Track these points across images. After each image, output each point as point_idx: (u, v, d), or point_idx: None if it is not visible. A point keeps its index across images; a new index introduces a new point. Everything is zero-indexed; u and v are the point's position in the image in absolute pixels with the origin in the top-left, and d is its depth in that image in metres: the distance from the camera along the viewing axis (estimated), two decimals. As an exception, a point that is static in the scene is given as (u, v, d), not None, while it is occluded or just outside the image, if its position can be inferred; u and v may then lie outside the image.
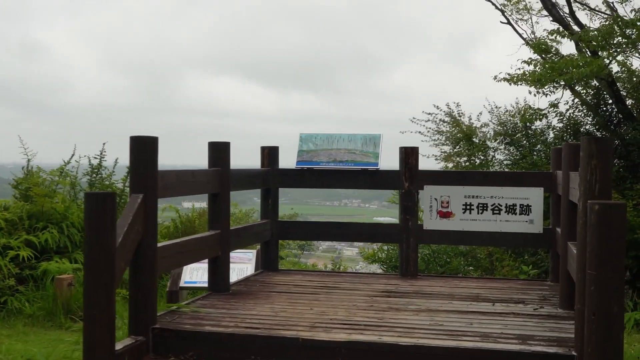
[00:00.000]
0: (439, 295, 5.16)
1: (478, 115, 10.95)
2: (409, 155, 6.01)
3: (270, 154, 6.31)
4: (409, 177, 5.99)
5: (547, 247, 5.81)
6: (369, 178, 6.12)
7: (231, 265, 7.02)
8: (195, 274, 7.22)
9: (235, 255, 7.04)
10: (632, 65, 9.25)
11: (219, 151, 5.17)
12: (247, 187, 5.89)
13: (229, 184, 5.23)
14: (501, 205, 5.86)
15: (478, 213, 5.89)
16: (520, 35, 11.24)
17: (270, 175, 6.26)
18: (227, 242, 5.21)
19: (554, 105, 9.53)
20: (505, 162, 9.81)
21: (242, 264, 7.02)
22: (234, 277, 6.78)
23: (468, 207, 5.91)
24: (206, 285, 5.80)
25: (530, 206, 5.81)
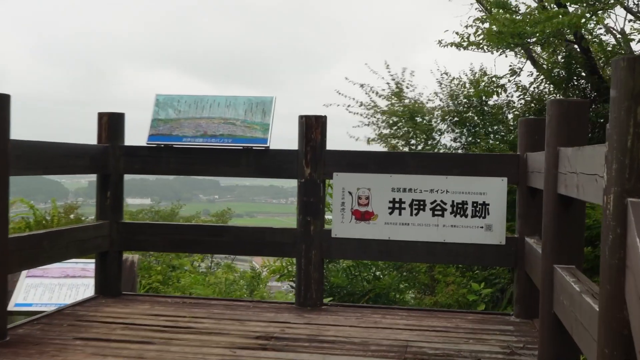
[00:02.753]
0: (345, 346, 3.27)
1: (423, 88, 9.10)
2: (311, 127, 4.09)
3: (111, 124, 4.30)
4: (311, 159, 4.07)
5: (510, 264, 3.99)
6: (254, 161, 4.18)
7: (62, 282, 5.00)
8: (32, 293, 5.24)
9: (69, 267, 5.02)
10: (612, 28, 7.55)
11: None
12: (58, 170, 3.85)
13: (7, 164, 3.20)
14: (445, 203, 4.00)
15: (412, 214, 4.02)
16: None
17: (109, 156, 4.25)
18: (-4, 260, 3.19)
19: (515, 72, 7.74)
20: (453, 147, 8.02)
21: (81, 280, 5.02)
22: (66, 299, 4.81)
23: (397, 205, 4.04)
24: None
25: (488, 205, 3.97)
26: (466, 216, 3.98)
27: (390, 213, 4.04)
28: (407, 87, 9.28)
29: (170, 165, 4.26)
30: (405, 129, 8.30)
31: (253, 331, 3.52)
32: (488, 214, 3.96)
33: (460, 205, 3.98)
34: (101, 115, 4.31)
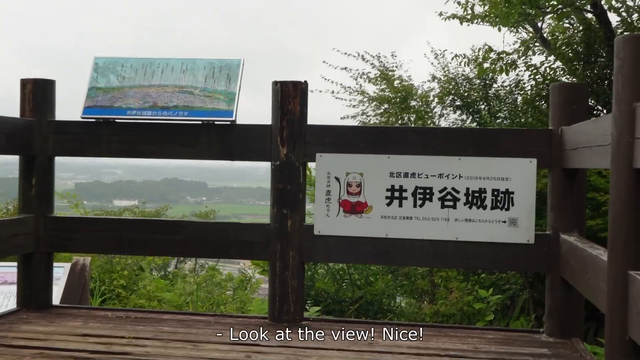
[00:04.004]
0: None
1: (414, 68, 8.16)
2: (288, 96, 3.25)
3: (37, 94, 3.44)
4: (288, 137, 3.24)
5: (542, 268, 3.16)
6: (216, 139, 3.34)
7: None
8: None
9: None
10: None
11: None
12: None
13: None
14: (458, 192, 3.18)
15: (415, 205, 3.20)
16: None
17: (34, 133, 3.39)
18: None
19: (528, 47, 6.88)
20: None
21: (6, 287, 4.18)
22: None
23: (396, 194, 3.21)
24: None
25: (512, 193, 3.15)
26: (484, 208, 3.15)
27: (388, 204, 3.21)
28: (397, 68, 8.44)
29: (112, 145, 3.41)
30: (397, 113, 7.46)
31: (208, 358, 2.67)
32: (512, 204, 3.14)
33: (476, 194, 3.16)
34: (24, 83, 3.45)
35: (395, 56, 8.56)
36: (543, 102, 6.69)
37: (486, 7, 6.46)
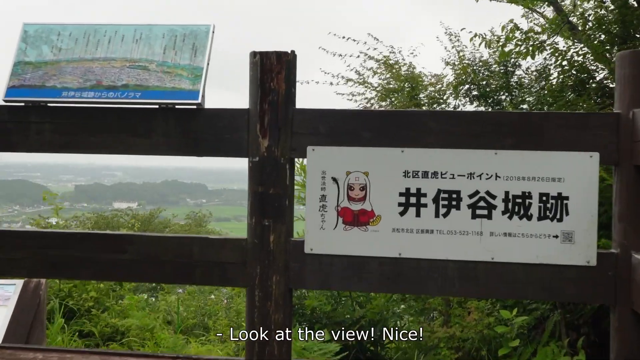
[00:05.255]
0: None
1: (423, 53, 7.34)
2: (270, 71, 2.52)
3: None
4: (270, 124, 2.50)
5: (607, 299, 2.42)
6: (177, 128, 2.60)
7: None
8: None
9: None
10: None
11: None
12: None
13: None
14: (494, 197, 2.44)
15: (438, 215, 2.46)
16: None
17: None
18: None
19: (559, 25, 6.10)
20: None
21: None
22: None
23: (413, 199, 2.47)
24: None
25: (566, 199, 2.40)
26: (529, 218, 2.42)
27: (402, 213, 2.47)
28: (402, 54, 7.68)
29: (44, 136, 2.66)
30: (405, 105, 6.71)
31: None
32: (567, 213, 2.40)
33: (519, 200, 2.42)
34: None
35: (392, 49, 7.83)
36: (570, 93, 5.96)
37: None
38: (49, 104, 2.65)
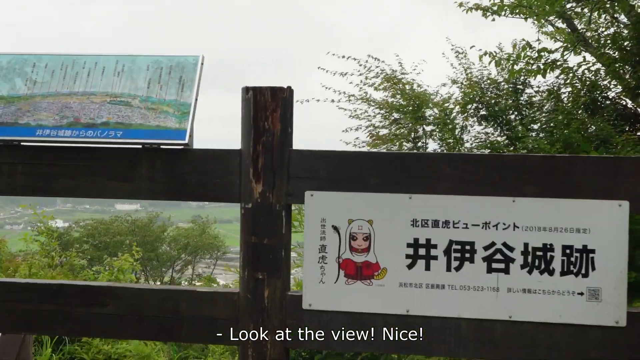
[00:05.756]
0: None
1: (418, 68, 7.00)
2: (264, 109, 2.30)
3: None
4: (265, 167, 2.29)
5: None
6: (163, 171, 2.38)
7: None
8: None
9: None
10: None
11: None
12: None
13: None
14: (512, 249, 2.21)
15: (450, 268, 2.24)
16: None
17: None
18: None
19: (573, 43, 5.87)
20: (480, 145, 6.18)
21: None
22: None
23: (422, 250, 2.25)
24: None
25: (592, 252, 2.18)
26: (551, 273, 2.19)
27: (410, 266, 2.25)
28: (405, 70, 7.43)
29: (15, 179, 2.44)
30: (410, 124, 6.48)
31: None
32: (593, 268, 2.18)
33: (539, 253, 2.20)
34: None
35: (398, 62, 7.58)
36: (581, 111, 5.73)
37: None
38: (22, 143, 2.43)
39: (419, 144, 6.61)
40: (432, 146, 6.68)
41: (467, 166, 2.26)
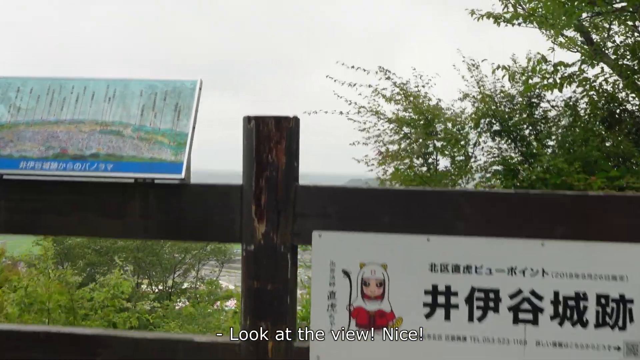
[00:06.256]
0: None
1: (431, 83, 6.80)
2: (268, 140, 2.11)
3: None
4: (268, 204, 2.09)
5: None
6: (156, 207, 2.19)
7: None
8: None
9: None
10: None
11: None
12: None
13: None
14: (540, 298, 2.01)
15: (472, 319, 2.04)
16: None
17: None
18: None
19: (591, 56, 5.65)
20: (491, 169, 5.96)
21: None
22: None
23: (441, 298, 2.05)
24: None
25: (631, 302, 1.98)
26: (585, 324, 2.00)
27: (428, 315, 2.05)
28: (420, 87, 7.23)
29: (-5, 216, 2.26)
30: (420, 140, 6.28)
31: None
32: (631, 320, 1.98)
33: (571, 303, 2.00)
34: None
35: (414, 77, 7.35)
36: (598, 124, 5.52)
37: (533, 3, 5.27)
38: (4, 177, 2.25)
39: (430, 160, 6.41)
40: (443, 163, 6.49)
41: (490, 204, 2.07)
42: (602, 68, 5.99)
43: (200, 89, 2.29)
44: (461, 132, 6.56)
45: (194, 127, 2.21)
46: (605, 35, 6.00)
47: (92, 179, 2.20)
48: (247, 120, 2.13)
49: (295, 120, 2.13)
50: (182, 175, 2.14)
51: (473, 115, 6.60)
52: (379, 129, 7.27)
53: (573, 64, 5.72)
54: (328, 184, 2.15)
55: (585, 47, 5.86)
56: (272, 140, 2.10)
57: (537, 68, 5.68)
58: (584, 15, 5.26)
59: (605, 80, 5.99)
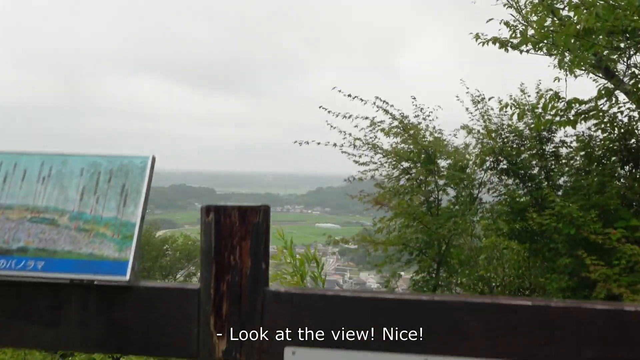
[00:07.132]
0: None
1: (433, 114, 6.48)
2: (230, 236, 1.74)
3: None
4: (230, 315, 1.73)
5: None
6: (96, 315, 1.82)
7: None
8: None
9: None
10: None
11: None
12: None
13: None
14: None
15: None
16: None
17: None
18: None
19: (609, 91, 5.29)
20: (497, 208, 5.59)
21: None
22: None
23: None
24: None
25: None
26: None
27: None
28: (421, 117, 6.87)
29: None
30: (422, 178, 5.93)
31: None
32: None
33: None
34: None
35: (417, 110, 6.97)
36: (614, 161, 5.15)
37: (548, 30, 4.91)
38: None
39: (431, 198, 6.05)
40: (446, 199, 6.11)
41: (500, 318, 1.70)
42: (617, 97, 5.64)
43: (152, 167, 1.93)
44: (464, 171, 6.20)
45: (142, 217, 1.85)
46: (625, 68, 5.66)
47: (19, 279, 1.84)
48: (206, 211, 1.77)
49: (264, 211, 1.77)
50: (127, 277, 1.77)
51: (478, 152, 6.25)
52: (375, 163, 6.94)
53: (589, 100, 5.36)
54: (302, 290, 1.78)
55: (604, 79, 5.52)
56: (234, 236, 1.74)
57: (549, 105, 5.32)
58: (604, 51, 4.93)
59: (620, 111, 5.64)
